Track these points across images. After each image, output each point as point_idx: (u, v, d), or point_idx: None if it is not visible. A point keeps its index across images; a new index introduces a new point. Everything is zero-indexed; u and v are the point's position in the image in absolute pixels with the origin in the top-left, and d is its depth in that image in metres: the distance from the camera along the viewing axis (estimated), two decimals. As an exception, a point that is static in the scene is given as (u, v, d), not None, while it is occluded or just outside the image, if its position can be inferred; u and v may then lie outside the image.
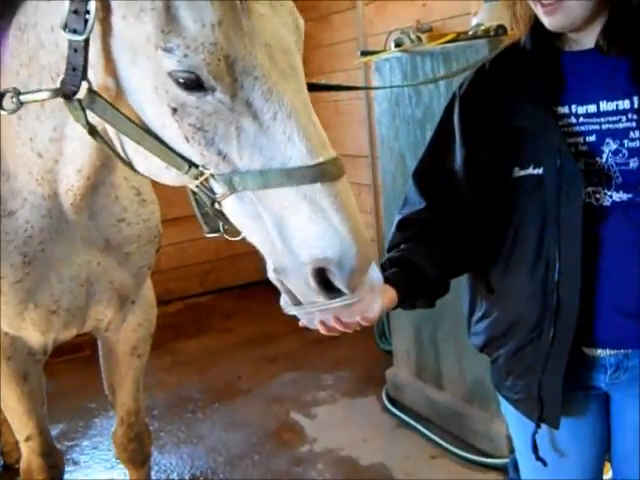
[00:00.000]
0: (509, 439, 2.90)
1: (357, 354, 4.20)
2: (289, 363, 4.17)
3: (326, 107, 5.18)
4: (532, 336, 1.44)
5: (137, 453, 2.31)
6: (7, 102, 1.20)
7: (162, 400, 3.79)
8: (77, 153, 1.40)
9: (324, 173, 1.09)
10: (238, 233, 1.22)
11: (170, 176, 1.21)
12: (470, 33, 2.80)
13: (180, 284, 5.29)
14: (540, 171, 1.37)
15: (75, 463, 3.25)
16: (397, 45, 3.10)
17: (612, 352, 1.42)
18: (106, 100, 1.17)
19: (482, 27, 2.75)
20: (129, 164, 1.27)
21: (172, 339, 4.42)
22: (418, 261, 1.44)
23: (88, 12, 1.12)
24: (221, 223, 1.25)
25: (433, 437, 3.20)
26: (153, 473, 2.67)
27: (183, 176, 1.17)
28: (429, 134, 2.95)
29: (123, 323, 2.06)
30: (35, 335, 1.81)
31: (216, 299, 5.25)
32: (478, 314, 1.57)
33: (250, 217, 1.15)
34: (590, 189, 1.35)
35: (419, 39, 3.06)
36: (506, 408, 1.61)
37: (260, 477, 3.06)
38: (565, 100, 1.39)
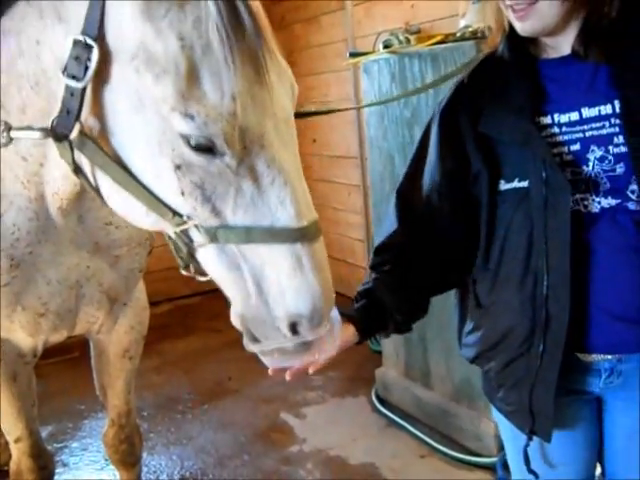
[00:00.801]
0: (497, 438, 2.92)
1: (346, 354, 4.13)
2: (278, 363, 4.16)
3: (315, 107, 5.20)
4: (522, 350, 1.42)
5: (128, 454, 2.31)
6: None
7: (151, 401, 3.79)
8: (59, 158, 1.39)
9: (306, 234, 1.16)
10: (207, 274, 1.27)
11: (149, 221, 1.24)
12: (458, 35, 2.81)
13: (168, 285, 5.27)
14: (525, 184, 1.36)
15: (64, 465, 3.24)
16: (386, 46, 3.11)
17: (606, 357, 1.40)
18: (97, 144, 1.19)
19: (470, 29, 2.77)
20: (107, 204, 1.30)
21: (160, 340, 4.41)
22: (381, 296, 1.48)
23: (89, 59, 1.13)
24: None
25: (422, 436, 3.22)
26: (143, 474, 2.66)
27: (164, 222, 1.20)
28: (417, 134, 2.97)
29: (115, 325, 2.06)
30: (24, 337, 1.81)
31: (203, 300, 5.24)
32: (468, 326, 1.56)
33: (228, 268, 1.19)
34: (578, 196, 1.34)
35: (407, 40, 3.07)
36: (499, 417, 1.60)
37: (249, 477, 3.06)
38: (547, 109, 1.38)
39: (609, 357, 1.40)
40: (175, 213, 1.17)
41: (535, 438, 1.47)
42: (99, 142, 1.19)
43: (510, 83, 1.40)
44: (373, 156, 3.43)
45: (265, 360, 1.29)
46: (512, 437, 1.57)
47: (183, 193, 1.15)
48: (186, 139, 1.11)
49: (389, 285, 1.49)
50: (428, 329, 3.21)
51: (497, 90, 1.41)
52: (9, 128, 1.21)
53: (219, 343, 4.50)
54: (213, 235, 1.17)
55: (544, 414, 1.42)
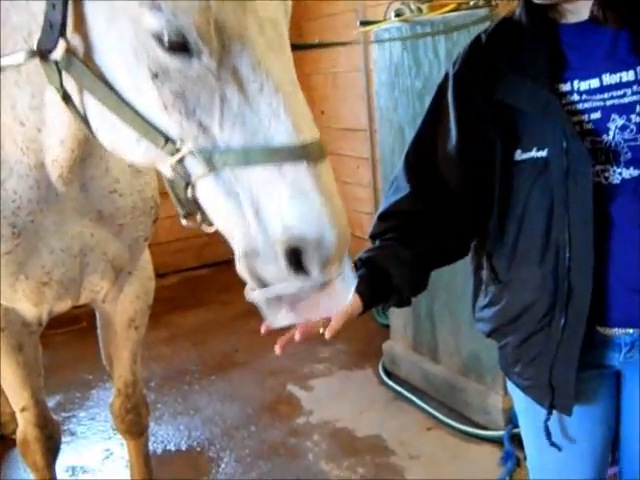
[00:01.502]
0: (504, 412, 2.92)
1: (353, 328, 4.13)
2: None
3: (324, 79, 5.14)
4: (542, 324, 1.40)
5: (134, 424, 2.32)
6: None
7: (159, 372, 3.80)
8: (56, 122, 1.35)
9: (308, 153, 1.04)
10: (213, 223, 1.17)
11: (141, 151, 1.13)
12: (471, 3, 2.75)
13: (177, 257, 5.29)
14: (544, 153, 1.31)
15: (72, 434, 3.27)
16: (397, 15, 3.05)
17: (627, 331, 1.38)
18: (84, 62, 1.12)
19: (483, -4, 2.71)
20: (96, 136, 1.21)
21: (169, 312, 4.42)
22: (385, 265, 1.40)
23: None
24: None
25: (429, 409, 3.22)
26: (150, 444, 2.67)
27: (157, 151, 1.10)
28: None
29: (120, 294, 2.05)
30: (28, 307, 1.80)
31: (212, 272, 5.25)
32: (484, 300, 1.53)
33: (226, 198, 1.08)
34: (599, 167, 1.30)
35: (419, 9, 3.01)
36: (514, 391, 1.58)
37: (256, 448, 3.08)
38: (566, 76, 1.33)
39: (630, 331, 1.38)
40: (167, 139, 1.08)
41: (554, 412, 1.45)
42: (85, 62, 1.12)
43: (528, 49, 1.35)
44: (383, 128, 3.38)
45: (269, 314, 1.14)
46: (528, 411, 1.56)
47: (166, 107, 1.06)
48: (158, 39, 1.02)
49: (395, 255, 1.42)
50: (436, 303, 3.19)
51: (514, 56, 1.37)
52: None
53: (228, 315, 4.51)
54: (209, 160, 1.06)
55: (564, 389, 1.40)
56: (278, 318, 1.15)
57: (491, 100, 1.36)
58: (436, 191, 1.46)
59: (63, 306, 1.89)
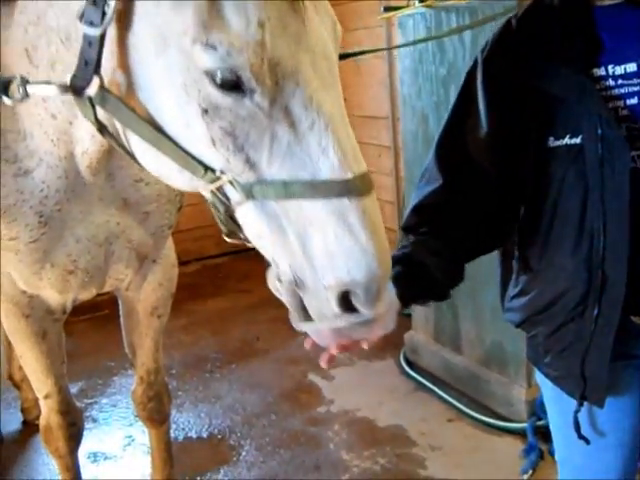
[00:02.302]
0: (527, 404, 2.89)
1: None
2: (306, 325, 4.16)
3: (346, 67, 5.07)
4: (574, 313, 1.37)
5: (156, 412, 2.32)
6: (14, 90, 1.13)
7: (179, 360, 3.82)
8: None
9: (353, 188, 1.03)
10: None
11: (182, 179, 1.15)
12: (497, -13, 2.70)
13: (197, 245, 5.29)
14: (578, 140, 1.28)
15: (94, 420, 3.29)
16: (421, 0, 3.00)
17: None
18: (120, 98, 1.11)
19: (510, -20, 2.65)
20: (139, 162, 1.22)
21: (189, 300, 4.42)
22: (424, 259, 1.38)
23: (107, 3, 1.04)
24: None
25: (450, 400, 3.20)
26: (171, 431, 2.68)
27: (198, 181, 1.11)
28: (453, 93, 2.89)
29: (144, 282, 2.05)
30: (53, 294, 1.80)
31: (233, 260, 5.25)
32: (514, 290, 1.50)
33: (269, 228, 1.08)
34: (634, 153, 1.27)
35: (443, -6, 2.96)
36: (543, 382, 1.56)
37: (277, 436, 3.08)
38: (601, 61, 1.29)
39: None
40: (207, 168, 1.08)
41: (584, 404, 1.42)
42: (126, 99, 1.11)
43: (561, 32, 1.31)
44: (406, 115, 3.34)
45: (315, 338, 1.16)
46: (557, 403, 1.53)
47: (214, 142, 1.06)
48: (211, 76, 1.02)
49: (432, 247, 1.40)
50: (459, 293, 3.12)
51: (547, 40, 1.33)
52: (26, 82, 1.14)
53: (248, 303, 4.51)
54: (249, 191, 1.06)
55: (597, 379, 1.38)
56: (325, 341, 1.17)
57: (523, 86, 1.33)
58: (469, 180, 1.43)
59: (87, 294, 1.90)
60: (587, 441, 1.45)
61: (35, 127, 1.45)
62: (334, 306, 1.06)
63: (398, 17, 3.19)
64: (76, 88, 1.12)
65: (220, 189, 1.10)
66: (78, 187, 1.55)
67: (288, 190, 1.04)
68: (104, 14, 1.05)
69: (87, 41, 1.08)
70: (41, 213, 1.56)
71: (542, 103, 1.32)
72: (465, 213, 1.43)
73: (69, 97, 1.23)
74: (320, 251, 1.05)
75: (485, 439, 2.93)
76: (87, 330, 3.92)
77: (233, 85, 1.02)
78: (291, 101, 1.03)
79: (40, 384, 2.00)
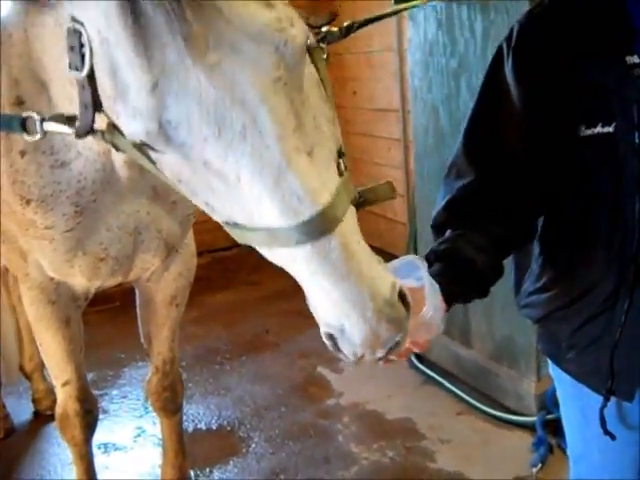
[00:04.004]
0: (537, 397, 2.88)
1: None
2: (315, 318, 4.16)
3: (356, 59, 5.08)
4: (604, 307, 1.35)
5: (170, 402, 2.34)
6: (31, 126, 1.14)
7: (190, 352, 3.83)
8: None
9: (308, 232, 0.97)
10: None
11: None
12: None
13: (209, 237, 5.28)
14: (611, 129, 1.26)
15: (105, 411, 3.30)
16: (432, -8, 2.98)
17: None
18: (130, 142, 1.07)
19: (523, -28, 2.63)
20: None
21: (200, 292, 4.40)
22: (470, 255, 1.34)
23: (82, 45, 1.02)
24: None
25: (460, 394, 3.19)
26: (181, 422, 2.70)
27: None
28: (464, 86, 2.91)
29: (164, 272, 2.07)
30: (81, 281, 1.83)
31: (243, 253, 5.21)
32: (534, 286, 1.48)
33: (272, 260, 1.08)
34: None
35: (455, -14, 2.94)
36: (560, 379, 1.53)
37: (286, 429, 3.09)
38: (634, 48, 1.26)
39: None
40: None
41: (602, 398, 1.40)
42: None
43: (594, 20, 1.29)
44: (417, 108, 3.32)
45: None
46: (577, 399, 1.51)
47: (180, 182, 1.06)
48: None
49: (476, 243, 1.35)
50: (469, 286, 3.15)
51: (579, 25, 1.30)
52: (42, 119, 1.13)
53: (258, 296, 4.52)
54: (231, 232, 1.07)
55: (628, 373, 1.36)
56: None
57: (555, 73, 1.31)
58: (502, 172, 1.39)
59: (113, 282, 1.93)
60: (613, 437, 1.42)
61: None
62: (328, 345, 1.07)
63: (409, 10, 3.17)
64: (79, 133, 1.11)
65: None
66: (113, 179, 1.59)
67: (254, 237, 1.03)
68: (83, 57, 1.03)
69: (80, 85, 1.07)
70: (77, 203, 1.61)
71: (574, 91, 1.29)
72: (500, 206, 1.40)
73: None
74: (307, 296, 1.05)
75: (494, 433, 2.93)
76: (98, 322, 3.94)
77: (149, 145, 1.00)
78: (206, 157, 0.98)
79: (60, 371, 2.02)
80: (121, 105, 0.97)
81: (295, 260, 1.00)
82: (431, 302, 1.20)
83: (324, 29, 1.23)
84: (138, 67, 0.93)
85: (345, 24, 1.31)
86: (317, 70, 1.08)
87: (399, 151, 4.77)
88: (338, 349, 1.06)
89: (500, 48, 1.39)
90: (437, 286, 1.23)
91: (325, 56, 1.16)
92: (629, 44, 1.27)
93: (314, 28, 1.18)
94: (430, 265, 1.33)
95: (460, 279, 1.33)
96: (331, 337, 1.05)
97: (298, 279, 1.04)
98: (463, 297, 1.38)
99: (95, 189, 1.59)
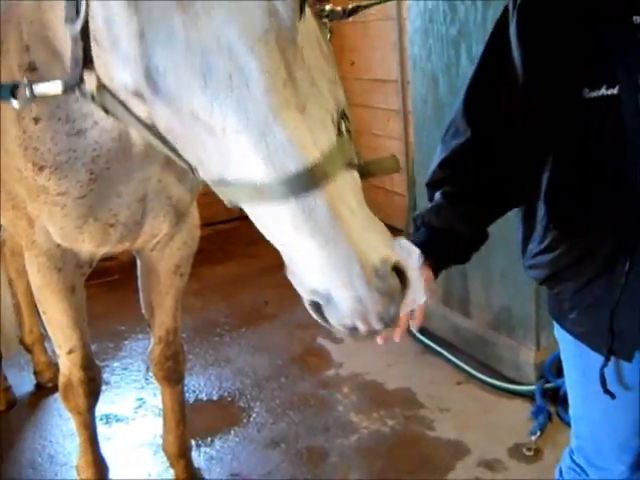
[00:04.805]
0: (536, 366, 2.90)
1: None
2: (315, 289, 4.17)
3: (354, 29, 5.02)
4: (604, 269, 1.36)
5: (173, 371, 2.35)
6: (21, 92, 1.12)
7: (190, 324, 3.84)
8: None
9: (293, 187, 0.94)
10: None
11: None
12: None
13: (208, 210, 5.27)
14: (615, 91, 1.25)
15: (106, 383, 3.31)
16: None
17: None
18: (116, 97, 1.06)
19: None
20: None
21: (199, 264, 4.38)
22: (452, 225, 1.37)
23: None
24: None
25: (459, 363, 3.21)
26: (182, 393, 2.72)
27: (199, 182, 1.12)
28: (464, 54, 2.88)
29: (170, 241, 2.07)
30: (89, 247, 1.83)
31: (241, 226, 5.21)
32: (539, 246, 1.48)
33: (256, 223, 1.05)
34: None
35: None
36: (563, 338, 1.55)
37: (286, 399, 3.11)
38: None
39: None
40: (190, 167, 1.09)
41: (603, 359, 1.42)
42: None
43: None
44: (416, 78, 3.29)
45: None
46: (578, 359, 1.53)
47: (169, 139, 1.05)
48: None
49: (462, 211, 1.38)
50: (468, 257, 3.15)
51: None
52: (31, 84, 1.11)
53: (257, 269, 4.52)
54: (222, 193, 1.04)
55: (627, 333, 1.37)
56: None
57: (559, 34, 1.29)
58: (498, 132, 1.39)
59: (120, 248, 1.93)
60: (613, 396, 1.44)
61: None
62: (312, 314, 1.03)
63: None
64: (71, 87, 1.09)
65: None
66: (127, 147, 1.59)
67: (240, 193, 1.00)
68: (78, 9, 1.01)
69: (73, 39, 1.05)
70: (92, 170, 1.61)
71: (579, 53, 1.28)
72: (494, 167, 1.41)
73: None
74: (287, 258, 1.01)
75: (493, 402, 2.95)
76: (98, 295, 3.94)
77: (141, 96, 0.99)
78: (194, 107, 0.96)
79: (65, 339, 2.01)
80: (112, 56, 0.97)
81: (280, 219, 0.97)
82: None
83: (327, 7, 1.23)
84: (126, 16, 0.92)
85: (350, 6, 1.30)
86: (319, 30, 1.08)
87: (398, 122, 4.74)
88: (325, 319, 1.03)
89: (506, 8, 1.37)
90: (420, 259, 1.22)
91: (329, 35, 1.17)
92: (637, 4, 1.25)
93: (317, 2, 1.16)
94: (417, 229, 1.37)
95: (444, 250, 1.37)
96: (317, 306, 1.02)
97: (283, 245, 1.01)
98: (444, 266, 1.41)
99: (110, 157, 1.59)
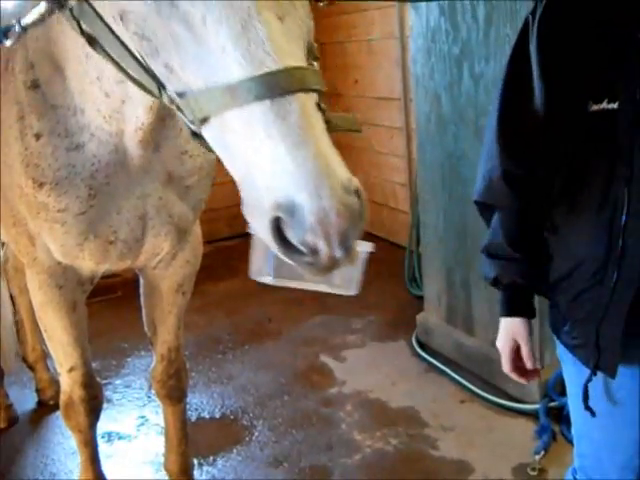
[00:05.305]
0: (540, 385, 2.88)
1: (386, 299, 4.19)
2: (317, 306, 4.18)
3: (358, 47, 5.05)
4: (594, 281, 1.37)
5: (175, 389, 2.33)
6: (12, 32, 1.16)
7: (192, 341, 3.83)
8: (140, 93, 1.32)
9: (270, 86, 0.90)
10: None
11: (147, 103, 1.25)
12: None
13: (210, 227, 5.28)
14: (615, 106, 1.27)
15: (108, 401, 3.30)
16: (435, -22, 2.96)
17: None
18: (95, 10, 1.10)
19: (526, -43, 2.61)
20: None
21: (201, 281, 4.38)
22: (529, 283, 1.52)
23: None
24: None
25: (462, 381, 3.20)
26: (184, 411, 2.70)
27: (157, 101, 1.12)
28: (466, 72, 2.90)
29: (172, 259, 2.06)
30: (89, 265, 1.82)
31: (244, 242, 5.18)
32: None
33: (219, 147, 1.00)
34: None
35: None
36: (563, 353, 1.55)
37: (289, 417, 3.09)
38: None
39: None
40: (160, 86, 1.05)
41: (599, 374, 1.42)
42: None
43: None
44: (419, 96, 3.30)
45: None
46: (575, 375, 1.53)
47: (139, 52, 1.04)
48: None
49: (526, 265, 1.50)
50: (472, 273, 3.15)
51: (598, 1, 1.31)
52: (19, 20, 1.15)
53: (259, 285, 4.48)
54: (188, 107, 0.99)
55: (611, 349, 1.37)
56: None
57: (572, 47, 1.31)
58: (529, 151, 1.43)
59: (122, 265, 1.92)
60: (593, 413, 1.45)
61: (88, 104, 1.50)
62: (271, 237, 0.92)
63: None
64: (54, 5, 1.13)
65: (180, 110, 1.04)
66: (126, 161, 1.61)
67: (212, 98, 0.95)
68: None
69: None
70: (91, 186, 1.62)
71: (587, 65, 1.30)
72: (535, 187, 1.46)
73: (121, 76, 1.24)
74: (254, 169, 0.92)
75: (497, 420, 2.93)
76: (100, 312, 3.94)
77: None
78: None
79: (66, 357, 2.00)
80: None
81: (250, 125, 0.91)
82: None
83: None
84: None
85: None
86: None
87: (401, 139, 4.76)
88: (284, 241, 0.92)
89: (526, 20, 1.39)
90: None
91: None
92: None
93: None
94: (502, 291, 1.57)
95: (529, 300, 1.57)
96: (277, 228, 0.92)
97: (247, 163, 0.94)
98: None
99: (109, 172, 1.60)
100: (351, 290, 1.10)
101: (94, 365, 3.55)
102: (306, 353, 3.67)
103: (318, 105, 0.97)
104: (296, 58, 0.95)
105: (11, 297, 3.23)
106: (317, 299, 4.27)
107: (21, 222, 1.78)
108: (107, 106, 1.46)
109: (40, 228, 1.73)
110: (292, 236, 0.90)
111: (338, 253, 0.91)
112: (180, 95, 1.01)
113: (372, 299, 4.16)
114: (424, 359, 3.46)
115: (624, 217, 1.28)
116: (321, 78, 0.99)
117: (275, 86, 0.90)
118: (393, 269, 4.47)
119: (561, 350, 1.56)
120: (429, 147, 3.27)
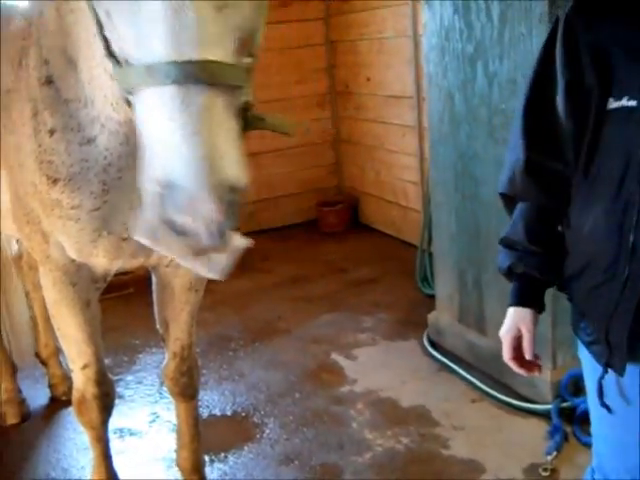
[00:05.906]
0: (552, 385, 2.87)
1: (396, 297, 4.19)
2: (328, 304, 4.18)
3: (370, 46, 5.04)
4: (606, 277, 1.37)
5: (188, 387, 2.34)
6: None
7: (203, 338, 3.84)
8: None
9: (186, 73, 0.96)
10: None
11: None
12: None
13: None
14: (634, 103, 1.27)
15: (120, 397, 3.31)
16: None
17: None
18: None
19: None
20: None
21: (212, 279, 4.44)
22: (543, 276, 1.51)
23: None
24: None
25: (474, 381, 3.19)
26: (196, 408, 2.71)
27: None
28: (480, 71, 2.89)
29: None
30: (103, 262, 1.82)
31: (255, 240, 5.25)
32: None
33: (138, 117, 1.06)
34: None
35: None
36: (581, 350, 1.55)
37: (300, 415, 3.09)
38: None
39: None
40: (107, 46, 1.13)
41: (612, 373, 1.41)
42: None
43: None
44: (432, 95, 3.30)
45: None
46: (592, 372, 1.52)
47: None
48: None
49: (544, 259, 1.50)
50: (484, 273, 3.14)
51: None
52: None
53: (270, 283, 4.53)
54: (117, 75, 1.11)
55: (619, 346, 1.37)
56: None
57: (591, 44, 1.33)
58: (551, 146, 1.44)
59: (135, 263, 1.92)
60: (609, 409, 1.44)
61: (96, 91, 1.49)
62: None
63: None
64: None
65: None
66: (137, 153, 1.58)
67: (136, 76, 1.02)
68: None
69: None
70: (104, 181, 1.61)
71: (607, 63, 1.31)
72: (559, 183, 1.46)
73: None
74: (155, 145, 1.00)
75: (509, 420, 2.92)
76: (112, 308, 3.95)
77: None
78: None
79: (80, 354, 2.01)
80: None
81: (161, 104, 0.97)
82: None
83: None
84: None
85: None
86: None
87: (413, 138, 4.75)
88: (163, 211, 1.00)
89: (557, 19, 1.41)
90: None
91: None
92: None
93: None
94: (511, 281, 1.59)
95: (540, 294, 1.56)
96: (160, 202, 1.00)
97: (152, 132, 1.01)
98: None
99: (121, 165, 1.59)
100: (215, 276, 1.15)
101: (106, 361, 3.58)
102: (316, 351, 3.68)
103: (247, 103, 1.04)
104: (221, 51, 0.99)
105: (25, 293, 3.25)
106: (326, 297, 4.28)
107: (34, 220, 1.78)
108: (113, 90, 1.44)
109: (54, 225, 1.73)
110: (168, 212, 0.99)
111: (205, 241, 1.00)
112: (123, 61, 1.08)
113: (382, 297, 4.16)
114: (435, 358, 3.46)
115: (636, 215, 1.28)
116: (245, 75, 1.05)
117: (189, 75, 0.96)
118: (403, 267, 4.46)
119: (580, 347, 1.56)
120: (442, 146, 3.26)
